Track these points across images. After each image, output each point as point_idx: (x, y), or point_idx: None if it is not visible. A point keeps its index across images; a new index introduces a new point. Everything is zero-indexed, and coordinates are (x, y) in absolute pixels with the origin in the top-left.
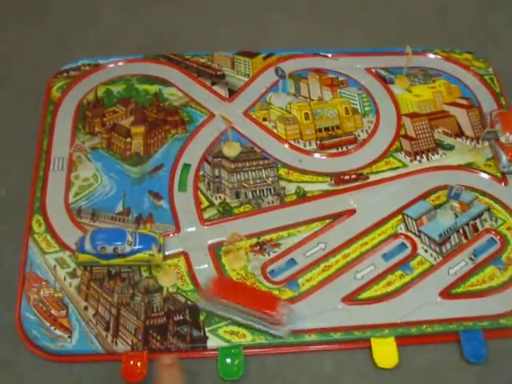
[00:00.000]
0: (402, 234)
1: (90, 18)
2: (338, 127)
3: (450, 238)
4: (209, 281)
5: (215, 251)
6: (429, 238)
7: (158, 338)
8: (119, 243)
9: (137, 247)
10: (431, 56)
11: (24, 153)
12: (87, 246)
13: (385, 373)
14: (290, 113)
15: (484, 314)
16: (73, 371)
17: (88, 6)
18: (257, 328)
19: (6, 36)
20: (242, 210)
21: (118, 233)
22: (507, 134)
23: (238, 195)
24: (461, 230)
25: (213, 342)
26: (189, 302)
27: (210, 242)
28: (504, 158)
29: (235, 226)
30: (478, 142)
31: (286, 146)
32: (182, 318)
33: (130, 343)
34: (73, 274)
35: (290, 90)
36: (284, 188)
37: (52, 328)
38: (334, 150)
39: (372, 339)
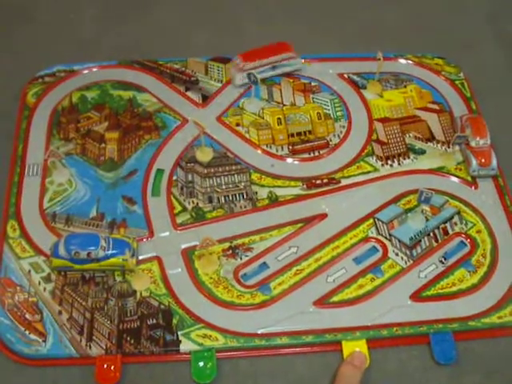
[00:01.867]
0: (373, 237)
1: (66, 25)
2: (310, 132)
3: (420, 241)
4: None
5: (188, 256)
6: (400, 241)
7: (132, 341)
8: (93, 248)
9: (110, 252)
10: (403, 61)
11: None
12: (61, 251)
13: None
14: (263, 118)
15: (454, 316)
16: (47, 375)
17: (64, 13)
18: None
19: None
20: (214, 214)
21: (92, 238)
22: (477, 139)
23: (210, 200)
24: (431, 234)
25: (186, 346)
26: (162, 306)
27: (183, 247)
28: (474, 163)
29: (208, 230)
30: (448, 147)
31: (259, 151)
32: (155, 321)
33: (104, 347)
34: (47, 279)
35: (263, 96)
36: (256, 193)
37: (26, 332)
38: (306, 155)
39: (343, 342)
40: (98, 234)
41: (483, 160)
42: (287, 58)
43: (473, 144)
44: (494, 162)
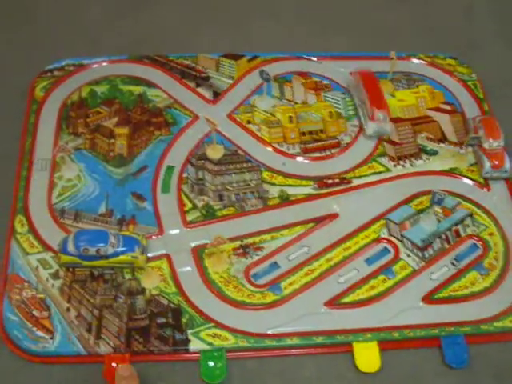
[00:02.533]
0: (384, 238)
1: (75, 18)
2: (321, 131)
3: (432, 243)
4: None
5: (198, 254)
6: (411, 242)
7: (141, 340)
8: (102, 245)
9: (120, 249)
10: (415, 61)
11: (7, 152)
12: (70, 248)
13: (367, 377)
14: (274, 116)
15: (466, 319)
16: (54, 372)
17: (74, 6)
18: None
19: None
20: (225, 212)
21: (101, 234)
22: (490, 140)
23: (221, 198)
24: (443, 236)
25: (195, 345)
26: (171, 305)
27: (193, 245)
28: (487, 165)
29: (218, 228)
30: (461, 148)
31: (270, 149)
32: (164, 320)
33: (113, 345)
34: (55, 275)
35: (275, 93)
36: (267, 191)
37: (34, 329)
38: (318, 154)
39: (354, 343)
40: (107, 231)
41: (496, 162)
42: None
43: (486, 146)
44: (507, 164)
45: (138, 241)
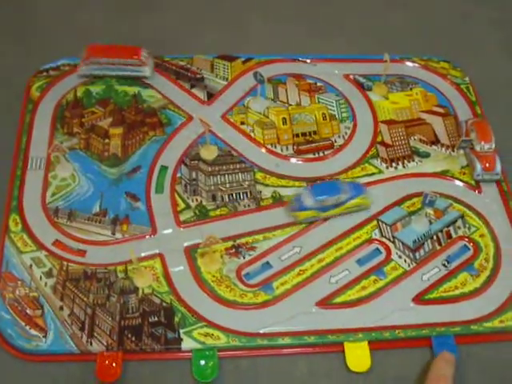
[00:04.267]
0: (376, 239)
1: (71, 18)
2: (315, 133)
3: (423, 244)
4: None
5: (191, 253)
6: (403, 244)
7: (133, 338)
8: (339, 193)
9: (351, 194)
10: (409, 64)
11: (2, 151)
12: (308, 202)
13: (357, 376)
14: (268, 117)
15: (456, 319)
16: (47, 371)
17: (70, 6)
18: (126, 75)
19: None
20: (218, 212)
21: (333, 184)
22: (482, 143)
23: (214, 198)
24: (435, 237)
25: (187, 344)
26: (164, 304)
27: (185, 244)
28: (478, 167)
29: (211, 228)
30: (453, 150)
31: (263, 150)
32: (156, 319)
33: (105, 343)
34: (49, 274)
35: (269, 95)
36: (260, 192)
37: (27, 327)
38: (311, 155)
39: (345, 343)
40: (335, 180)
41: (488, 164)
42: (134, 63)
43: (477, 148)
44: (499, 166)
45: (359, 185)
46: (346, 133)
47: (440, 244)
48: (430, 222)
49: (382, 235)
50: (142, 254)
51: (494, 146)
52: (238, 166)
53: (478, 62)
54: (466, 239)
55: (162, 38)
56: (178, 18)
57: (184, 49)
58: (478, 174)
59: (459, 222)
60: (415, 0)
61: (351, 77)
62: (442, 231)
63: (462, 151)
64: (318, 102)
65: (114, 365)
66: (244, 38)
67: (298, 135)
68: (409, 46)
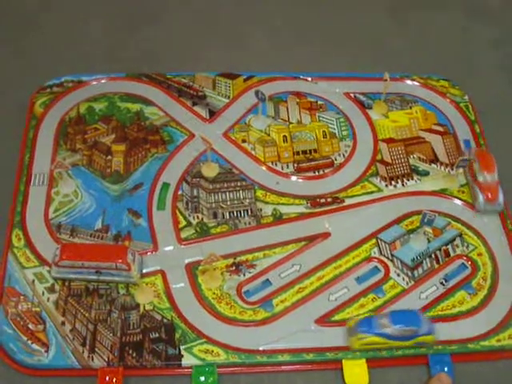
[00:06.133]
0: (375, 257)
1: (75, 35)
2: (315, 151)
3: (422, 262)
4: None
5: (192, 270)
6: (401, 262)
7: (134, 354)
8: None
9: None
10: (409, 82)
11: (5, 166)
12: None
13: None
14: (269, 135)
15: (453, 338)
16: None
17: (74, 23)
18: (112, 280)
19: None
20: (218, 230)
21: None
22: (484, 173)
23: (215, 215)
24: (433, 255)
25: (187, 360)
26: (165, 320)
27: (186, 261)
28: (480, 198)
29: (212, 245)
30: (451, 169)
31: (264, 168)
32: (157, 335)
33: (106, 359)
34: (51, 289)
35: (270, 113)
36: (261, 210)
37: (29, 342)
38: (311, 173)
39: (343, 360)
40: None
41: (490, 195)
42: (116, 268)
43: (480, 179)
44: (501, 197)
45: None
46: (346, 151)
47: (438, 262)
48: (429, 241)
49: (380, 253)
50: (144, 271)
51: (496, 176)
52: (238, 183)
53: (477, 80)
54: (464, 258)
55: (163, 54)
56: (179, 35)
57: (185, 66)
58: (480, 206)
59: (457, 241)
60: (416, 19)
61: (352, 95)
62: (440, 249)
63: (460, 170)
64: (319, 120)
65: (114, 380)
66: (245, 55)
67: (298, 153)
68: (409, 64)
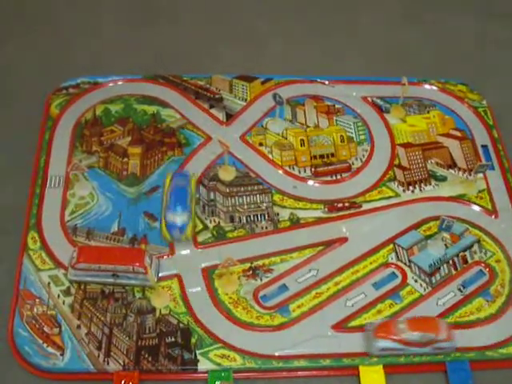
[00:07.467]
0: (392, 263)
1: (91, 36)
2: (332, 155)
3: (439, 268)
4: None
5: (208, 274)
6: (419, 268)
7: (150, 358)
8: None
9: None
10: (427, 87)
11: (21, 168)
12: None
13: None
14: (286, 139)
15: (471, 345)
16: None
17: (90, 24)
18: (129, 283)
19: (7, 49)
20: (235, 234)
21: None
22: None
23: (232, 219)
24: (450, 261)
25: (203, 365)
26: (181, 325)
27: (203, 265)
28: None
29: (228, 250)
30: (470, 174)
31: (281, 171)
32: (173, 339)
33: (122, 363)
34: (67, 292)
35: (287, 116)
36: (278, 214)
37: (44, 345)
38: (328, 178)
39: (360, 367)
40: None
41: None
42: (133, 271)
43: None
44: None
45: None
46: (363, 155)
47: (456, 269)
48: (446, 247)
49: (398, 259)
50: (160, 275)
51: None
52: (255, 187)
53: (495, 85)
54: (482, 264)
55: (180, 56)
56: (196, 37)
57: (202, 67)
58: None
59: (475, 247)
60: (433, 23)
61: (369, 99)
62: (457, 256)
63: (479, 175)
64: (336, 124)
65: None
66: (262, 58)
67: (315, 157)
68: (427, 68)
